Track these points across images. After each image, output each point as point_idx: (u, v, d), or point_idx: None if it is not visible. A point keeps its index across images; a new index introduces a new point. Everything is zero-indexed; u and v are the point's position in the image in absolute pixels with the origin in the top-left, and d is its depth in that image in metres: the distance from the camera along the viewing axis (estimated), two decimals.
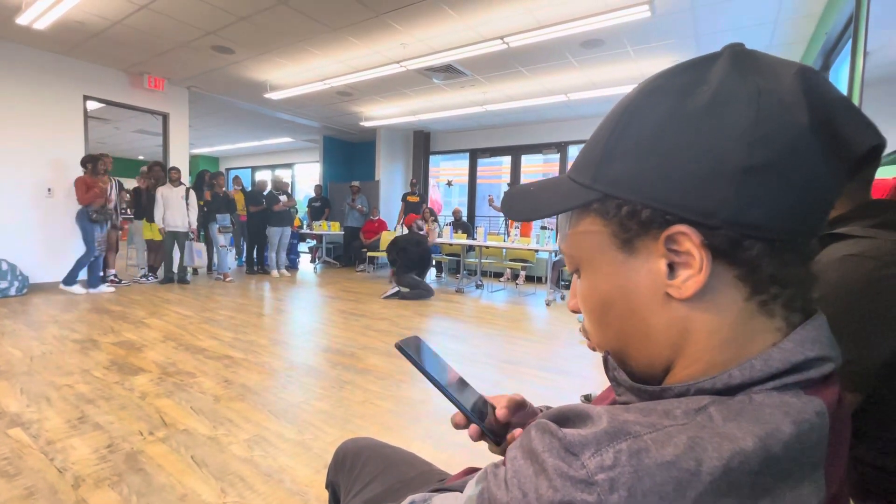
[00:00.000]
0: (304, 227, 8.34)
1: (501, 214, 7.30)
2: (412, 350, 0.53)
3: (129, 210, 5.91)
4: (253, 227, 6.66)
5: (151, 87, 5.61)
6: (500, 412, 0.52)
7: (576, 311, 0.40)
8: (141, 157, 12.27)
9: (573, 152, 7.32)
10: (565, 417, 0.30)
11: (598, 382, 2.58)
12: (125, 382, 2.34)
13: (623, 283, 0.34)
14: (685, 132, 0.30)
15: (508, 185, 7.75)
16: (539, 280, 6.89)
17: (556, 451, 0.27)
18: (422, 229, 5.62)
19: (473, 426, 0.51)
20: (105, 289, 4.91)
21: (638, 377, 0.36)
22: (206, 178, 6.39)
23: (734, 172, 0.28)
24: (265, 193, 6.59)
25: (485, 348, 3.22)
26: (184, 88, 6.09)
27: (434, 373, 0.51)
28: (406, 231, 5.87)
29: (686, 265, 0.31)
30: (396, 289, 5.10)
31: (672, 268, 0.31)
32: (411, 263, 5.26)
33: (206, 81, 5.84)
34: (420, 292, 5.13)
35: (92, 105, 5.51)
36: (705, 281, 0.30)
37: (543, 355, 3.09)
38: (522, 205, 0.39)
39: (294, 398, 2.22)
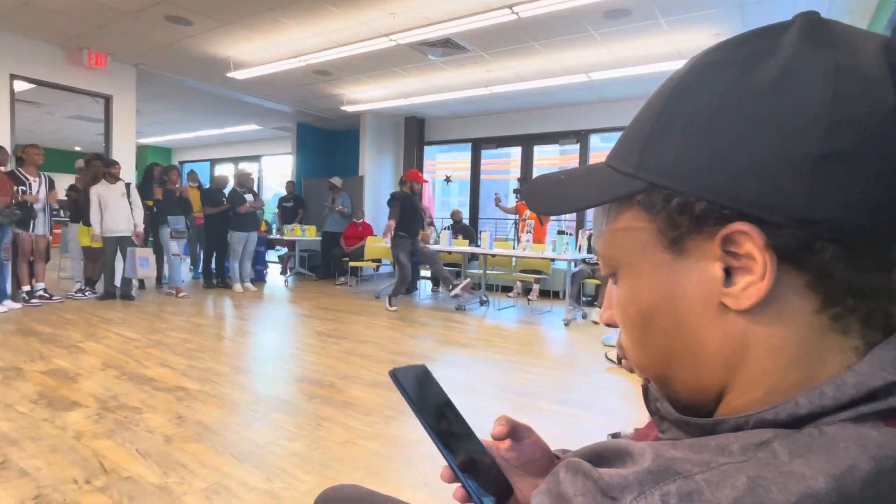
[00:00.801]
0: (274, 231, 8.35)
1: (510, 216, 7.33)
2: (406, 380, 0.51)
3: (62, 212, 5.90)
4: (212, 231, 6.67)
5: (92, 65, 5.64)
6: (496, 430, 0.52)
7: (610, 325, 0.39)
8: (78, 149, 12.31)
9: (596, 142, 7.37)
10: (600, 456, 0.30)
11: (628, 418, 2.58)
12: (56, 419, 2.33)
13: (669, 290, 0.34)
14: (748, 112, 0.30)
15: (518, 181, 7.78)
16: (556, 295, 6.90)
17: (591, 495, 0.27)
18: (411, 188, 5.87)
19: (459, 488, 0.49)
20: (11, 305, 4.82)
21: (684, 406, 0.36)
22: (155, 173, 6.41)
23: (807, 160, 0.29)
24: (227, 192, 6.60)
25: (491, 377, 3.22)
26: (131, 66, 6.13)
27: (424, 411, 0.49)
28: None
29: (746, 270, 0.31)
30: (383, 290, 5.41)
31: (729, 273, 0.31)
32: (403, 224, 5.40)
33: (157, 58, 5.88)
34: (402, 275, 5.43)
35: (20, 86, 5.53)
36: (768, 289, 0.30)
37: (561, 385, 3.09)
38: (550, 196, 0.39)
39: (261, 438, 2.21)
